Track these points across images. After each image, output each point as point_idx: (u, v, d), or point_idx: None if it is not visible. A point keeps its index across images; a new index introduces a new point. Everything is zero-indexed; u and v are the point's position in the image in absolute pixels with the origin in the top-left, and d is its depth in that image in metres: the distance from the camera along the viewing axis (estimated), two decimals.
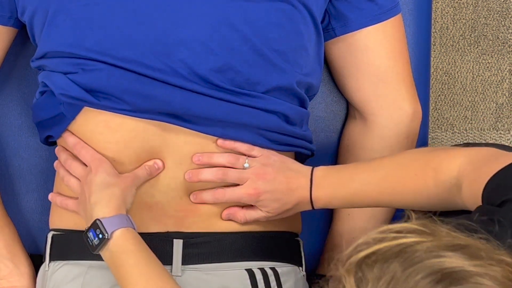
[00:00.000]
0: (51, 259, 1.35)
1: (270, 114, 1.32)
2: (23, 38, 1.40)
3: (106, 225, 1.22)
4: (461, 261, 0.90)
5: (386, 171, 1.27)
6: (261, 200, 1.31)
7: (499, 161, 1.10)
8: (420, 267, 0.89)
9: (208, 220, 1.33)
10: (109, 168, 1.29)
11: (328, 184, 1.30)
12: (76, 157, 1.33)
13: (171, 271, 1.30)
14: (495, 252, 0.91)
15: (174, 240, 1.31)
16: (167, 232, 1.32)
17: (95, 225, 1.22)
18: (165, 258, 1.29)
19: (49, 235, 1.37)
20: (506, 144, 2.11)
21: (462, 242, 0.92)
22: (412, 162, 1.26)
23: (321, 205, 1.31)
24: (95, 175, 1.27)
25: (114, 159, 1.30)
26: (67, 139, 1.33)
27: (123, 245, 1.22)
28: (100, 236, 1.21)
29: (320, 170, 1.31)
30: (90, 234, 1.23)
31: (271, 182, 1.30)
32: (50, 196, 1.37)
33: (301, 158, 1.43)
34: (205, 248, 1.32)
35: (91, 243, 1.23)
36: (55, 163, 1.37)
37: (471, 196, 1.12)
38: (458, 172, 1.17)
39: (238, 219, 1.32)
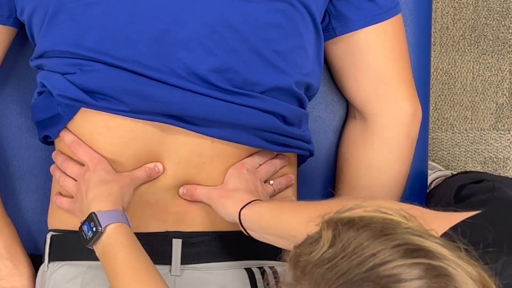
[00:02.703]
0: (50, 260, 1.35)
1: (268, 115, 1.31)
2: (23, 38, 1.39)
3: (101, 218, 1.21)
4: (441, 248, 0.89)
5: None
6: None
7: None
8: (397, 237, 0.89)
9: (208, 217, 1.33)
10: (107, 166, 1.29)
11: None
12: (72, 159, 1.33)
13: (170, 271, 1.30)
14: (475, 261, 0.90)
15: (173, 239, 1.31)
16: (166, 231, 1.32)
17: (90, 218, 1.22)
18: (164, 258, 1.29)
19: (48, 236, 1.37)
20: (506, 143, 2.11)
21: (446, 242, 0.92)
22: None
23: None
24: (93, 172, 1.28)
25: (113, 160, 1.31)
26: (64, 137, 1.33)
27: (116, 239, 1.21)
28: (94, 229, 1.20)
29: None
30: (85, 227, 1.22)
31: None
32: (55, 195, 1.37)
33: (301, 158, 1.43)
34: (204, 247, 1.32)
35: (85, 237, 1.22)
36: (52, 167, 1.37)
37: None
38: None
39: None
